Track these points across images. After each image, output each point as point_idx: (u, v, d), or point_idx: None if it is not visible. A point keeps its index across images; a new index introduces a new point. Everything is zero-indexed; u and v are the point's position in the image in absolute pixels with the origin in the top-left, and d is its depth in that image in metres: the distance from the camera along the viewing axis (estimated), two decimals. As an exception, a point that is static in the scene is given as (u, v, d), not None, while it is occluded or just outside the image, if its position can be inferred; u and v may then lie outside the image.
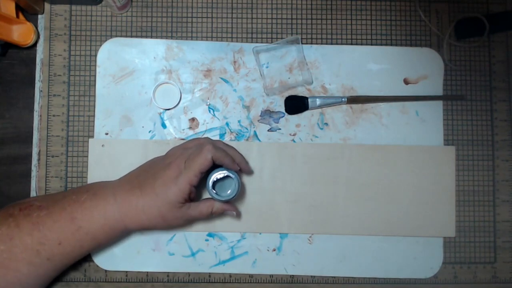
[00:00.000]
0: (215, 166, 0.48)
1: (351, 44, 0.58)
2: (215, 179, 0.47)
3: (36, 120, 0.56)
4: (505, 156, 0.57)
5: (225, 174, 0.47)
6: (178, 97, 0.55)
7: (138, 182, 0.47)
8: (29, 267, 0.44)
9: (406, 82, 0.57)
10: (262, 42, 0.57)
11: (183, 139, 0.55)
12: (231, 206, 0.50)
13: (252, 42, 0.57)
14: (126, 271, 0.55)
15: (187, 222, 0.49)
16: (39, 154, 0.55)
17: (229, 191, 0.48)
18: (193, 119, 0.56)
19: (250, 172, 0.54)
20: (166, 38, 0.57)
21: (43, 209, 0.45)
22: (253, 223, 0.55)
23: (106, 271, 0.54)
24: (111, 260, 0.54)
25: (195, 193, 0.48)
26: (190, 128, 0.56)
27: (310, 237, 0.55)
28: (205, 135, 0.56)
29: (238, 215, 0.54)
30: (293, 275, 0.55)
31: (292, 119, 0.56)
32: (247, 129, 0.56)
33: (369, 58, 0.57)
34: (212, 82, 0.56)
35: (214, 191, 0.47)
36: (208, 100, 0.56)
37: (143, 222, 0.46)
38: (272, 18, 0.57)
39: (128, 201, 0.46)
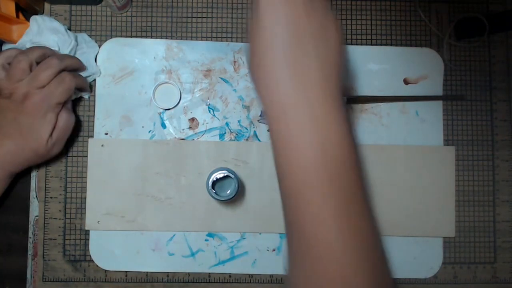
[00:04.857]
0: None
1: (351, 44, 0.57)
2: (214, 179, 0.47)
3: (36, 120, 0.55)
4: (505, 156, 0.57)
5: (225, 174, 0.47)
6: (178, 97, 0.55)
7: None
8: None
9: (406, 82, 0.57)
10: (262, 42, 0.57)
11: (182, 139, 0.55)
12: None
13: (252, 42, 0.57)
14: (126, 271, 0.55)
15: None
16: (39, 154, 0.55)
17: (228, 191, 0.48)
18: (193, 119, 0.56)
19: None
20: (166, 38, 0.57)
21: None
22: (253, 223, 0.55)
23: (106, 271, 0.54)
24: (111, 260, 0.54)
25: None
26: (190, 128, 0.56)
27: (310, 237, 0.55)
28: (205, 135, 0.56)
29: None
30: (293, 275, 0.55)
31: (292, 119, 0.56)
32: (247, 129, 0.56)
33: (369, 58, 0.57)
34: (212, 82, 0.56)
35: (214, 191, 0.47)
36: (208, 100, 0.56)
37: (22, 164, 0.49)
38: (272, 18, 0.57)
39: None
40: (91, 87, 0.54)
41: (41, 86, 0.45)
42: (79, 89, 0.51)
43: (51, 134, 0.48)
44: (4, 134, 0.46)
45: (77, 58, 0.51)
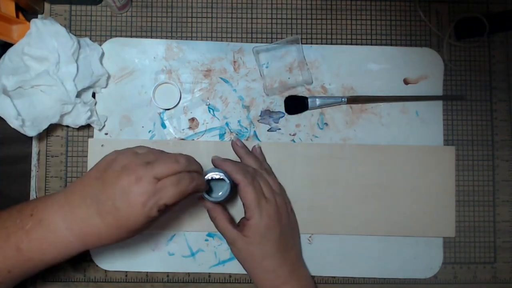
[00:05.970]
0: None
1: (351, 44, 0.57)
2: (209, 178, 0.47)
3: (36, 120, 0.55)
4: (505, 156, 0.57)
5: (221, 177, 0.47)
6: (178, 97, 0.55)
7: (91, 198, 0.39)
8: None
9: (406, 82, 0.57)
10: (262, 42, 0.57)
11: (182, 139, 0.55)
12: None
13: (252, 42, 0.57)
14: (126, 271, 0.55)
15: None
16: (38, 154, 0.55)
17: (220, 193, 0.48)
18: (193, 119, 0.56)
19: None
20: (166, 38, 0.57)
21: None
22: (253, 223, 0.55)
23: (105, 271, 0.54)
24: (111, 260, 0.54)
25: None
26: (190, 128, 0.56)
27: (310, 237, 0.55)
28: (205, 135, 0.56)
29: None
30: (293, 275, 0.55)
31: (292, 119, 0.56)
32: (247, 129, 0.56)
33: (369, 58, 0.57)
34: (212, 82, 0.56)
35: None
36: (208, 100, 0.56)
37: (106, 243, 0.41)
38: (272, 18, 0.57)
39: (82, 225, 0.39)
40: (93, 95, 0.54)
41: (156, 177, 0.39)
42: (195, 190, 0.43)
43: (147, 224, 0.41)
44: (99, 212, 0.39)
45: (200, 164, 0.45)
